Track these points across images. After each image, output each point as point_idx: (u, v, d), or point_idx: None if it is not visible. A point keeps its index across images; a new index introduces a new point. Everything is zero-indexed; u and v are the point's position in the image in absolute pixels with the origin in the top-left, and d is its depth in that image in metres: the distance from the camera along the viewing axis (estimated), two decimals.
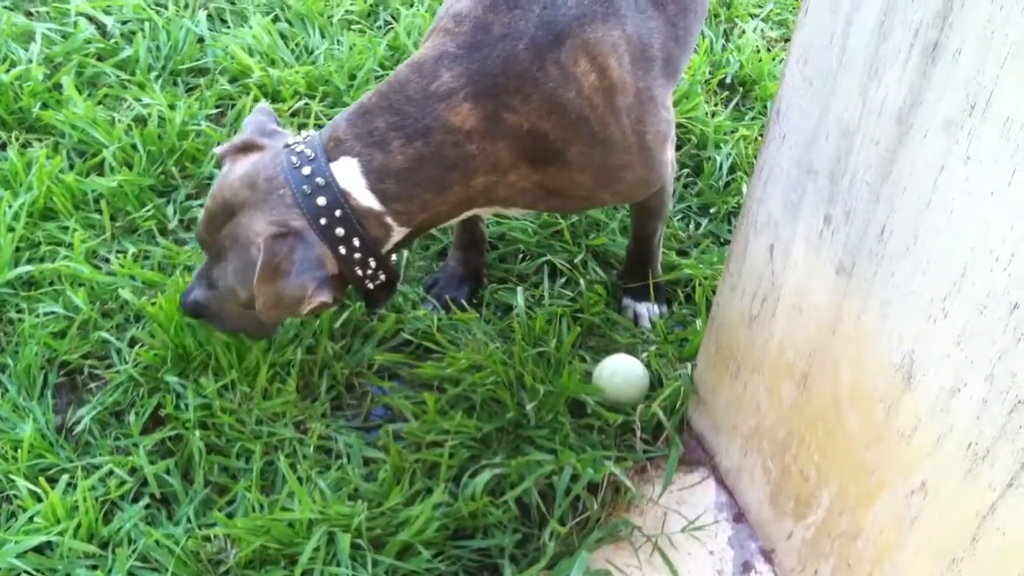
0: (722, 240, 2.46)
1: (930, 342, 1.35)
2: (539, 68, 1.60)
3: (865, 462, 1.53)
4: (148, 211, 2.39)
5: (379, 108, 1.66)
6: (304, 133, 1.76)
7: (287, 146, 1.72)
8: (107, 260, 2.30)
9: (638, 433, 2.00)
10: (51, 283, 2.22)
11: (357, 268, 1.72)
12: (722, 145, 2.64)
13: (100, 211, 2.37)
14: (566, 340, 2.12)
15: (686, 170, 2.61)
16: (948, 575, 1.40)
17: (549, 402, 2.00)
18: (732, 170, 2.60)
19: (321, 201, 1.65)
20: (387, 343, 2.19)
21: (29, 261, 2.25)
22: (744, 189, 2.53)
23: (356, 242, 1.68)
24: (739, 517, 1.93)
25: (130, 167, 2.48)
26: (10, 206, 2.31)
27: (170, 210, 2.42)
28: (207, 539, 1.82)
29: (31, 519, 1.82)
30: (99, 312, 2.18)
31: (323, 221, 1.65)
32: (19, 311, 2.17)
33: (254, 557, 1.78)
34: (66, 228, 2.34)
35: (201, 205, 2.43)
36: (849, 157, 1.46)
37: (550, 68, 1.61)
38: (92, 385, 2.10)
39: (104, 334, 2.13)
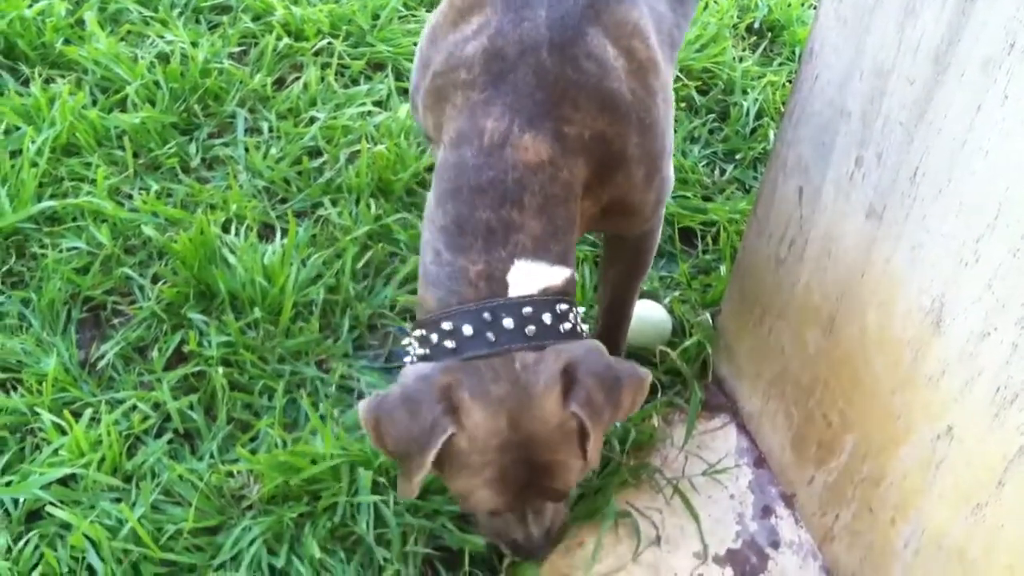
0: (747, 187, 2.43)
1: (961, 286, 1.34)
2: (573, 68, 1.45)
3: (891, 407, 1.52)
4: (171, 148, 2.38)
5: (465, 204, 1.41)
6: (417, 336, 1.43)
7: (452, 350, 1.38)
8: (130, 197, 2.29)
9: (660, 379, 1.99)
10: (74, 219, 2.22)
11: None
12: (749, 91, 2.61)
13: (123, 148, 2.36)
14: (588, 285, 2.12)
15: (712, 115, 2.58)
16: (972, 520, 1.40)
17: None
18: (759, 116, 2.57)
19: (548, 319, 1.40)
20: (409, 284, 2.18)
21: (52, 196, 2.25)
22: (771, 135, 2.50)
23: (579, 317, 1.48)
24: (760, 462, 1.93)
25: (153, 104, 2.46)
26: (33, 141, 2.31)
27: (192, 148, 2.41)
28: (230, 474, 1.83)
29: (55, 452, 1.83)
30: (122, 248, 2.18)
31: (564, 327, 1.41)
32: (42, 246, 2.17)
33: (276, 493, 1.79)
34: (89, 164, 2.33)
35: (224, 144, 2.42)
36: (883, 98, 1.44)
37: (584, 64, 1.45)
38: (115, 321, 2.10)
39: (127, 270, 2.13)
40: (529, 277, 1.40)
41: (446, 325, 1.38)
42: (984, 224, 1.28)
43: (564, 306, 1.42)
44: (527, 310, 1.38)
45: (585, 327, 1.46)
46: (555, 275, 1.42)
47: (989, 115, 1.25)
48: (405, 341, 1.47)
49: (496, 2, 1.49)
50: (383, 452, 1.43)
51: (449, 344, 1.37)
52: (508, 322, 1.37)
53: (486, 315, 1.37)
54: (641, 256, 1.85)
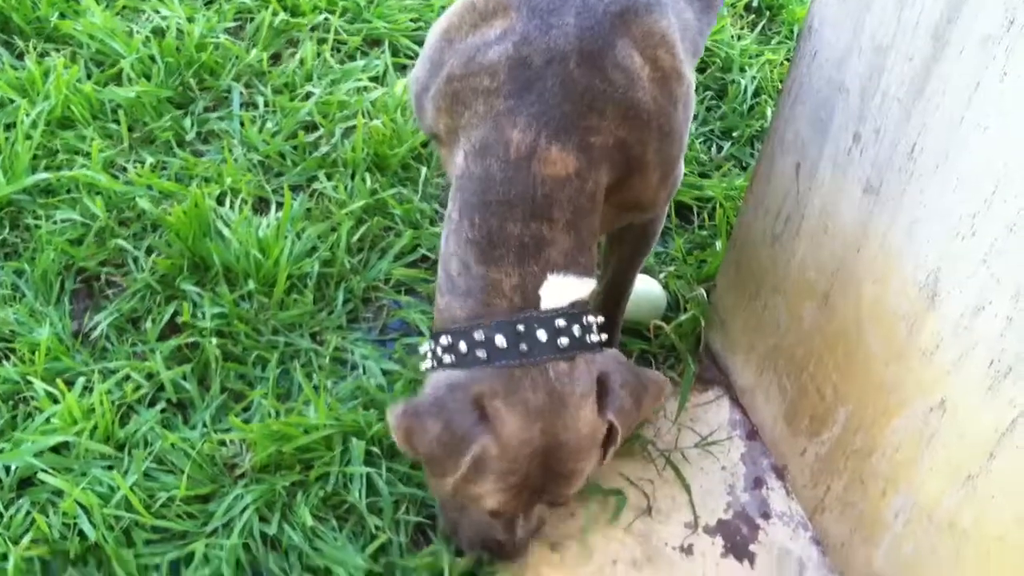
0: (744, 164, 2.44)
1: (957, 260, 1.34)
2: (601, 79, 1.42)
3: (884, 380, 1.53)
4: (166, 122, 2.37)
5: (494, 216, 1.40)
6: (443, 344, 1.42)
7: (483, 361, 1.38)
8: (124, 170, 2.28)
9: (654, 353, 2.00)
10: (68, 191, 2.21)
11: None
12: (747, 69, 2.61)
13: (118, 121, 2.35)
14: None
15: (709, 93, 2.58)
16: (963, 491, 1.40)
17: None
18: (756, 94, 2.57)
19: (577, 331, 1.40)
20: (404, 258, 2.18)
21: (46, 169, 2.24)
22: (768, 113, 2.51)
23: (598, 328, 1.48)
24: (752, 435, 1.94)
25: (148, 78, 2.45)
26: (28, 114, 2.30)
27: (188, 122, 2.40)
28: (222, 443, 1.83)
29: (48, 420, 1.83)
30: (116, 220, 2.17)
31: (592, 339, 1.42)
32: (36, 218, 2.17)
33: (269, 462, 1.79)
34: (84, 137, 2.32)
35: (220, 118, 2.42)
36: (881, 74, 1.44)
37: (612, 74, 1.43)
38: (109, 292, 2.10)
39: (121, 242, 2.13)
40: (560, 291, 1.41)
41: (478, 335, 1.38)
42: (981, 199, 1.29)
43: (591, 318, 1.43)
44: (560, 323, 1.38)
45: (604, 336, 1.47)
46: (582, 288, 1.43)
47: (987, 92, 1.25)
48: (424, 348, 1.46)
49: (522, 7, 1.45)
50: (413, 457, 1.44)
51: (480, 354, 1.37)
52: (542, 334, 1.37)
53: (520, 327, 1.37)
54: (646, 240, 1.85)
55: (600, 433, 1.41)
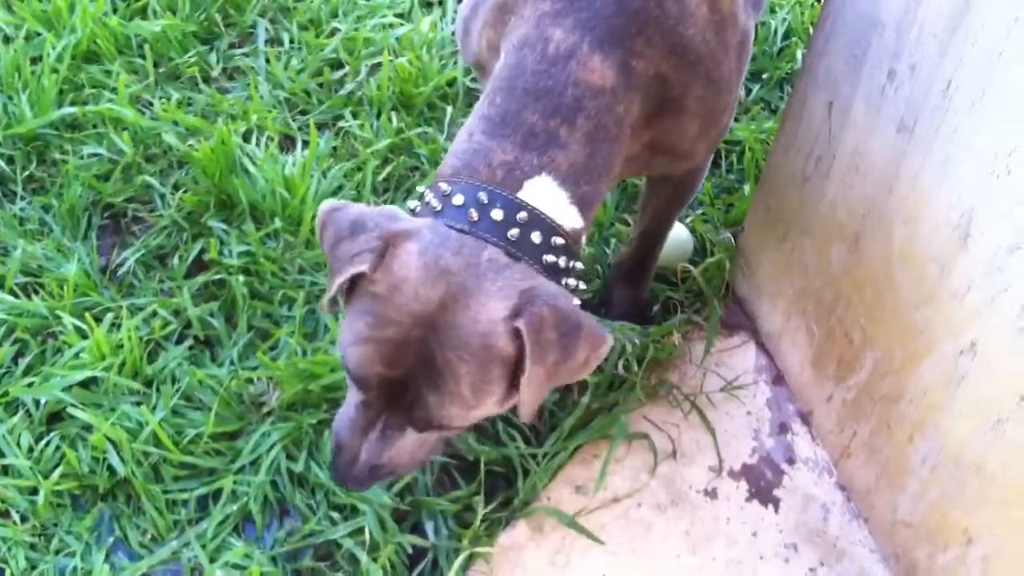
0: (773, 107, 2.40)
1: (990, 200, 1.32)
2: (656, 4, 1.36)
3: (913, 323, 1.52)
4: (191, 57, 2.36)
5: (516, 101, 1.33)
6: (424, 191, 1.36)
7: (434, 211, 1.31)
8: (150, 105, 2.28)
9: (680, 298, 2.00)
10: (94, 126, 2.21)
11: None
12: (777, 10, 2.56)
13: (143, 56, 2.35)
14: (608, 204, 2.10)
15: None
16: (992, 435, 1.39)
17: (589, 265, 1.99)
18: (787, 36, 2.52)
19: (536, 238, 1.30)
20: None
21: (72, 103, 2.24)
22: (799, 55, 2.47)
23: (573, 274, 1.38)
24: (778, 380, 1.93)
25: (174, 12, 2.44)
26: (53, 47, 2.29)
27: (213, 57, 2.39)
28: (249, 381, 1.84)
29: (76, 355, 1.85)
30: (143, 156, 2.18)
31: (548, 259, 1.31)
32: (63, 152, 2.17)
33: (296, 400, 1.80)
34: (109, 72, 2.32)
35: (246, 54, 2.40)
36: (918, 8, 1.41)
37: (667, 3, 1.37)
38: (135, 228, 2.10)
39: (148, 178, 2.13)
40: (545, 196, 1.32)
41: (443, 187, 1.32)
42: (1017, 137, 1.26)
43: (560, 240, 1.32)
44: (522, 215, 1.29)
45: (572, 283, 1.36)
46: (567, 215, 1.34)
47: None
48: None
49: None
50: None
51: (436, 205, 1.31)
52: (497, 213, 1.28)
53: (482, 195, 1.29)
54: (684, 192, 1.82)
55: (496, 345, 1.23)
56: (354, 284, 1.27)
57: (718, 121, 1.53)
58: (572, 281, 1.36)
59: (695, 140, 1.52)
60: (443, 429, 1.34)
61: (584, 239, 1.42)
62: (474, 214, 1.28)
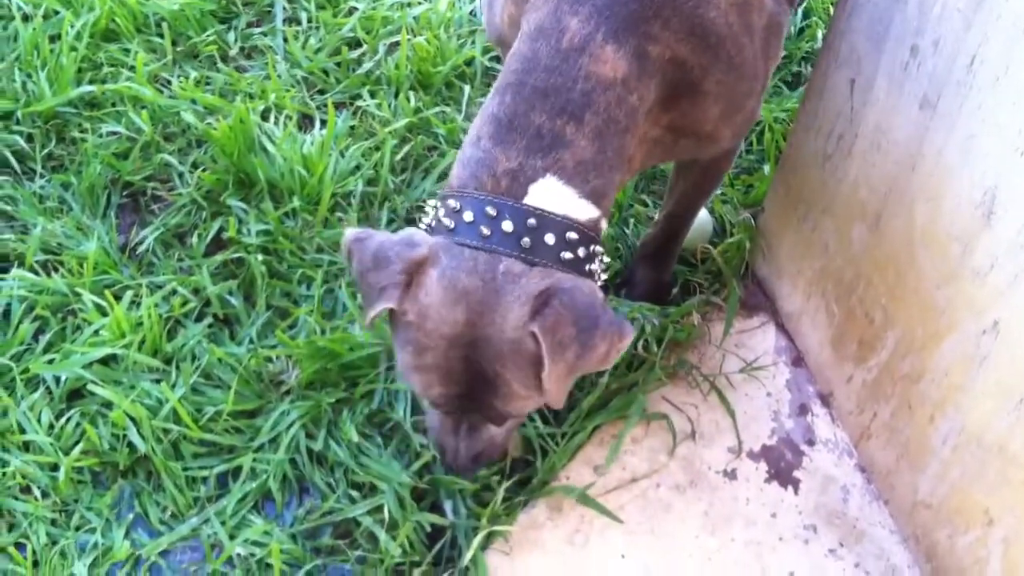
0: (793, 86, 2.39)
1: (1015, 177, 1.31)
2: None
3: (935, 302, 1.50)
4: (209, 36, 2.36)
5: (525, 101, 1.34)
6: (433, 205, 1.39)
7: (448, 229, 1.33)
8: (168, 84, 2.28)
9: (700, 280, 1.99)
10: (113, 104, 2.22)
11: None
12: None
13: (161, 35, 2.35)
14: (628, 185, 2.09)
15: None
16: (1015, 415, 1.38)
17: (610, 246, 1.99)
18: (806, 15, 2.50)
19: (550, 239, 1.32)
20: (448, 178, 2.16)
21: (91, 82, 2.24)
22: (819, 35, 2.45)
23: (597, 258, 1.40)
24: (798, 361, 1.92)
25: None
26: (72, 25, 2.29)
27: (231, 36, 2.39)
28: (269, 359, 1.84)
29: (96, 332, 1.85)
30: (161, 135, 2.18)
31: (565, 255, 1.34)
32: (82, 131, 2.17)
33: (315, 378, 1.80)
34: (127, 50, 2.32)
35: (264, 33, 2.40)
36: None
37: None
38: (155, 207, 2.11)
39: (166, 156, 2.13)
40: (552, 195, 1.33)
41: (452, 203, 1.34)
42: None
43: (574, 235, 1.34)
44: (532, 222, 1.31)
45: (596, 267, 1.39)
46: (578, 209, 1.34)
47: None
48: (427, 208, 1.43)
49: None
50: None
51: (448, 223, 1.33)
52: (508, 225, 1.30)
53: (490, 209, 1.31)
54: (710, 178, 1.81)
55: (525, 345, 1.29)
56: (391, 312, 1.34)
57: (742, 105, 1.52)
58: (595, 267, 1.39)
59: (717, 123, 1.50)
60: (516, 417, 1.48)
61: (605, 223, 1.42)
62: (485, 230, 1.30)
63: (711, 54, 1.41)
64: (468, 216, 1.31)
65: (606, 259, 1.42)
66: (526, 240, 1.31)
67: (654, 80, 1.38)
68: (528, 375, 1.32)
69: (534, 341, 1.28)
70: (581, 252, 1.35)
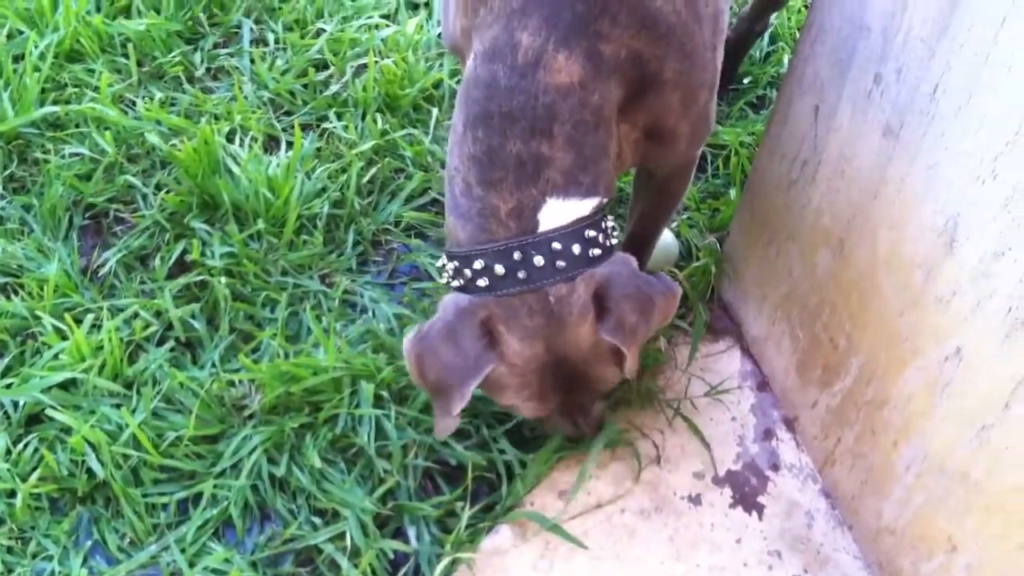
0: (759, 111, 2.40)
1: (976, 205, 1.32)
2: None
3: (899, 329, 1.51)
4: (175, 57, 2.35)
5: (497, 134, 1.36)
6: (453, 265, 1.44)
7: (483, 288, 1.40)
8: (133, 104, 2.26)
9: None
10: (77, 125, 2.19)
11: None
12: None
13: (127, 55, 2.33)
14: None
15: None
16: (976, 442, 1.39)
17: None
18: (773, 40, 2.52)
19: (576, 249, 1.39)
20: (414, 201, 2.16)
21: (55, 102, 2.22)
22: (785, 60, 2.46)
23: (611, 231, 1.46)
24: (763, 386, 1.92)
25: (158, 12, 2.42)
26: (36, 45, 2.27)
27: (197, 57, 2.38)
28: (231, 384, 1.82)
29: (56, 356, 1.83)
30: (125, 156, 2.16)
31: (593, 252, 1.41)
32: (44, 151, 2.15)
33: (278, 403, 1.78)
34: (92, 70, 2.30)
35: (230, 54, 2.39)
36: (904, 12, 1.41)
37: None
38: (117, 229, 2.09)
39: (130, 178, 2.11)
40: (560, 213, 1.38)
41: (477, 264, 1.39)
42: (1003, 142, 1.25)
43: (592, 232, 1.41)
44: (556, 246, 1.38)
45: (614, 239, 1.47)
46: (584, 207, 1.40)
47: (1014, 29, 1.22)
48: (440, 263, 1.48)
49: None
50: (422, 386, 1.47)
51: (482, 283, 1.39)
52: (538, 260, 1.37)
53: (516, 255, 1.37)
54: (670, 195, 1.80)
55: (603, 346, 1.43)
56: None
57: (697, 96, 1.51)
58: (613, 240, 1.46)
59: (677, 117, 1.51)
60: (609, 389, 1.58)
61: (608, 196, 1.46)
62: (522, 275, 1.38)
63: (664, 44, 1.41)
64: (499, 269, 1.38)
65: (613, 223, 1.48)
66: (560, 263, 1.38)
67: (613, 78, 1.38)
68: (610, 363, 1.47)
69: (608, 340, 1.41)
70: (601, 238, 1.43)
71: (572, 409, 1.60)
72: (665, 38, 1.40)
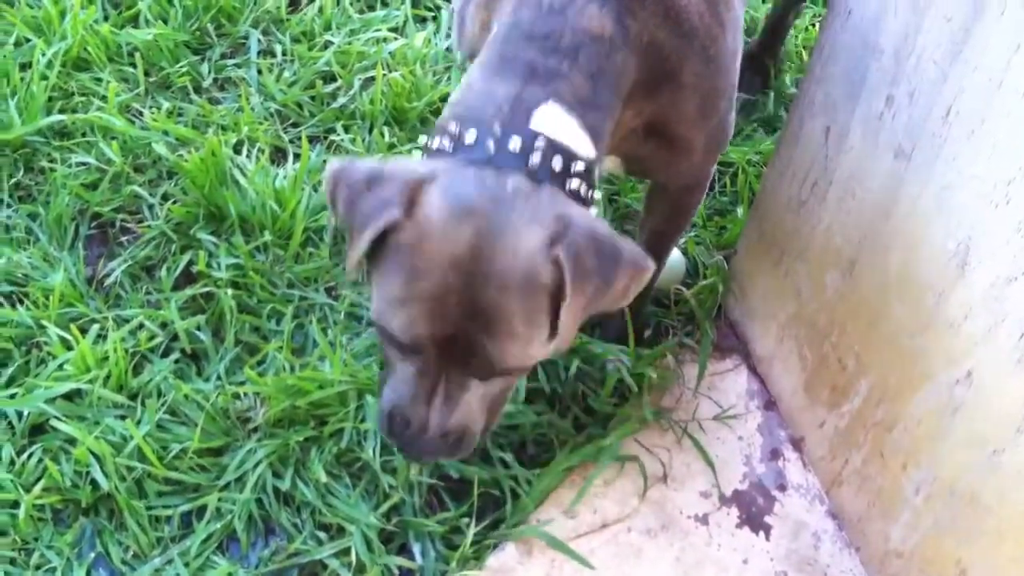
0: (766, 129, 2.40)
1: (989, 228, 1.32)
2: None
3: (909, 351, 1.51)
4: (182, 67, 2.34)
5: (513, 46, 1.29)
6: (428, 139, 1.32)
7: (447, 153, 1.27)
8: (140, 114, 2.26)
9: (672, 321, 1.99)
10: (83, 134, 2.19)
11: None
12: None
13: (134, 64, 2.32)
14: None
15: None
16: (987, 466, 1.38)
17: None
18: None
19: (557, 164, 1.26)
20: None
21: (61, 111, 2.22)
22: (787, 80, 2.46)
23: (593, 205, 1.34)
24: (770, 405, 1.92)
25: (165, 21, 2.42)
26: (43, 54, 2.27)
27: (204, 68, 2.37)
28: (236, 396, 1.82)
29: (61, 366, 1.82)
30: (131, 166, 2.15)
31: (571, 185, 1.27)
32: (51, 161, 2.14)
33: (283, 416, 1.78)
34: (99, 80, 2.29)
35: (237, 65, 2.38)
36: (918, 35, 1.41)
37: None
38: (123, 239, 2.08)
39: (136, 188, 2.10)
40: (556, 122, 1.27)
41: (452, 127, 1.27)
42: (1016, 166, 1.26)
43: (580, 166, 1.28)
44: (539, 142, 1.24)
45: (593, 212, 1.31)
46: (580, 142, 1.29)
47: None
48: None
49: None
50: (332, 213, 1.28)
51: (446, 145, 1.26)
52: (515, 142, 1.24)
53: (495, 127, 1.24)
54: (683, 211, 1.77)
55: (539, 278, 1.19)
56: (378, 243, 1.21)
57: (716, 105, 1.49)
58: (592, 211, 1.32)
59: (693, 125, 1.48)
60: (505, 374, 1.30)
61: (598, 172, 1.36)
62: (491, 146, 1.24)
63: (687, 43, 1.39)
64: (471, 136, 1.25)
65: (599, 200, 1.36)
66: (534, 159, 1.24)
67: (634, 57, 1.35)
68: (535, 308, 1.21)
69: (552, 268, 1.19)
70: (583, 189, 1.29)
71: (443, 378, 1.29)
72: (688, 38, 1.39)
